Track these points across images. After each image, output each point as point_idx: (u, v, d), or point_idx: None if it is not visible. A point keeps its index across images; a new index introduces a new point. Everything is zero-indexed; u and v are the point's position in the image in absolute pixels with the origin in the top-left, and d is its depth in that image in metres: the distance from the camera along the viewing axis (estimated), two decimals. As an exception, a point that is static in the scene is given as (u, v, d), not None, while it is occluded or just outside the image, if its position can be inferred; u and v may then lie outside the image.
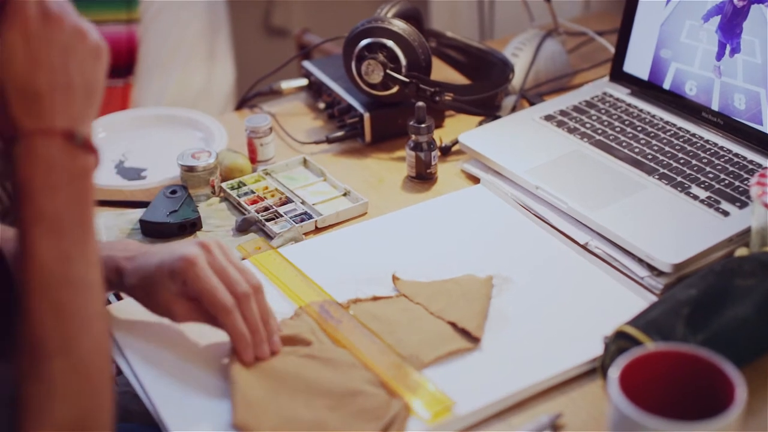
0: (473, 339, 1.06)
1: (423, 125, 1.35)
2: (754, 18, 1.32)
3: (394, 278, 1.17)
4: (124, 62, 2.22)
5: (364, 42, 1.43)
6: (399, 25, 1.43)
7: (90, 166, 0.86)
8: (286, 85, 1.62)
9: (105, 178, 1.42)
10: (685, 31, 1.41)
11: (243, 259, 1.22)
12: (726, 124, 1.36)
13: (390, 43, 1.42)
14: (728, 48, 1.35)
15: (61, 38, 0.84)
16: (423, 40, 1.44)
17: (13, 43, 0.82)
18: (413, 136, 1.36)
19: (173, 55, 2.26)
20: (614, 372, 0.83)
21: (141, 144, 1.52)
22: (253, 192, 1.36)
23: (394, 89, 1.44)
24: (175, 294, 1.03)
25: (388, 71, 1.42)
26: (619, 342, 0.98)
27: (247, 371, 1.02)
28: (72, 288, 0.83)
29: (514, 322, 1.10)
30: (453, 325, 1.08)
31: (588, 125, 1.41)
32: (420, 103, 1.35)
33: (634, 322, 0.98)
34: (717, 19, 1.36)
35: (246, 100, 1.63)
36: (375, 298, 1.14)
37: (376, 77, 1.43)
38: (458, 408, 0.98)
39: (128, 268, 1.06)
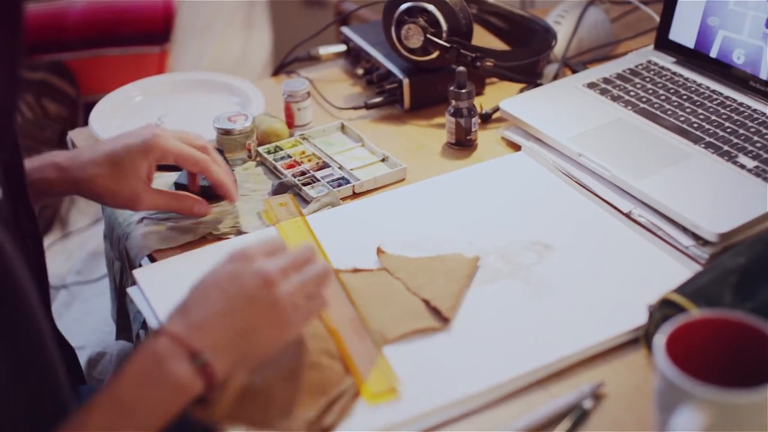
0: (443, 319, 1.03)
1: (463, 91, 1.33)
2: (806, -17, 1.28)
3: (379, 251, 1.14)
4: (160, 29, 2.21)
5: (404, 6, 1.41)
6: (441, -11, 1.40)
7: (190, 387, 0.85)
8: (324, 50, 1.60)
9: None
10: (734, -3, 1.37)
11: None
12: (775, 94, 1.32)
13: (430, 7, 1.40)
14: (779, 15, 1.31)
15: (245, 278, 0.89)
16: (464, 5, 1.41)
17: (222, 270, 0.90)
18: (453, 102, 1.34)
19: (211, 22, 2.25)
20: (660, 338, 0.81)
21: (177, 108, 1.51)
22: (289, 156, 1.35)
23: (434, 54, 1.41)
24: (144, 178, 1.13)
25: (428, 36, 1.39)
26: (665, 310, 0.95)
27: None
28: None
29: (555, 290, 1.08)
30: (426, 302, 1.05)
31: (632, 93, 1.38)
32: (460, 68, 1.32)
33: (681, 289, 0.96)
34: (768, -15, 1.33)
35: (283, 65, 1.61)
36: (355, 270, 1.11)
37: (416, 42, 1.40)
38: (503, 373, 0.95)
39: (75, 164, 1.12)
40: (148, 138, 1.13)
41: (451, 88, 1.33)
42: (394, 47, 1.44)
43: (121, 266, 1.29)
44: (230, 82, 1.55)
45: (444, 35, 1.40)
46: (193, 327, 0.86)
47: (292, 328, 0.90)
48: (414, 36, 1.40)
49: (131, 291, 1.13)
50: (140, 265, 1.18)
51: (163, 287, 1.11)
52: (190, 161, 1.16)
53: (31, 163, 1.13)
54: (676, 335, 0.82)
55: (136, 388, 0.84)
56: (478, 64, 1.40)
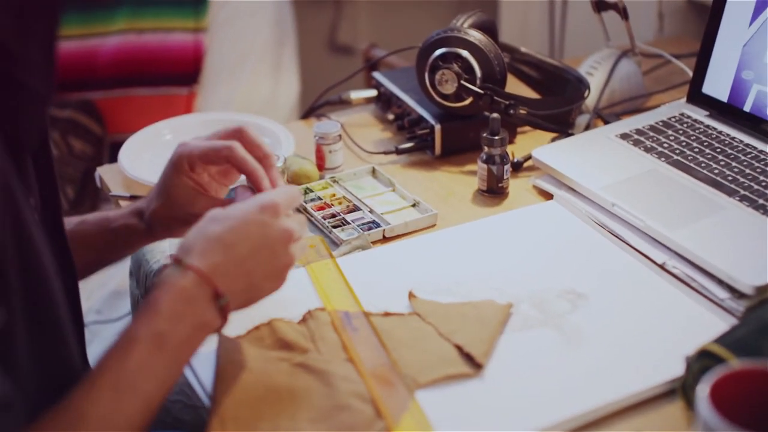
0: (476, 365, 1.01)
1: (497, 137, 1.33)
2: (843, 40, 1.28)
3: (411, 295, 1.13)
4: (190, 71, 2.22)
5: (438, 51, 1.41)
6: (475, 36, 1.41)
7: (212, 327, 0.90)
8: (356, 95, 1.61)
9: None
10: (770, 52, 1.37)
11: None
12: (809, 149, 1.32)
13: (465, 53, 1.40)
14: (815, 70, 1.31)
15: (273, 231, 0.93)
16: (498, 52, 1.41)
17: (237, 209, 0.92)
18: (486, 149, 1.34)
19: (240, 64, 2.26)
20: (704, 389, 0.80)
21: (207, 148, 1.50)
22: (320, 198, 1.34)
23: (468, 101, 1.41)
24: (191, 189, 1.06)
25: (462, 82, 1.40)
26: (704, 361, 0.94)
27: (236, 377, 0.99)
28: (137, 398, 0.84)
29: (590, 340, 1.06)
30: (459, 348, 1.04)
31: (665, 145, 1.38)
32: (494, 115, 1.32)
33: (720, 340, 0.94)
34: (804, 41, 1.33)
35: (314, 108, 1.62)
36: (386, 314, 1.10)
37: (450, 88, 1.41)
38: (537, 421, 0.94)
39: (144, 205, 1.11)
40: (175, 152, 1.06)
41: (485, 135, 1.33)
42: (426, 93, 1.44)
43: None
44: (260, 123, 1.55)
45: (478, 82, 1.40)
46: (219, 268, 0.89)
47: (284, 283, 0.96)
48: (448, 82, 1.40)
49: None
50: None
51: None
52: (212, 155, 1.04)
53: (116, 212, 1.15)
54: (719, 386, 0.80)
55: (171, 325, 0.86)
56: (512, 111, 1.39)
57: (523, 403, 0.97)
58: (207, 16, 2.23)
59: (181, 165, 1.05)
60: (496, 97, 1.39)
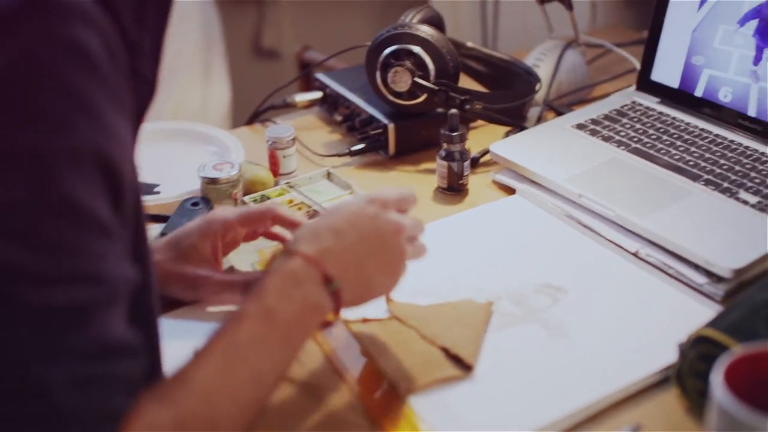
0: (466, 366, 0.99)
1: (456, 134, 1.30)
2: (794, 20, 1.29)
3: (388, 299, 1.09)
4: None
5: (390, 49, 1.38)
6: (426, 31, 1.38)
7: (323, 310, 0.87)
8: (301, 98, 1.57)
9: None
10: (719, 36, 1.37)
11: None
12: (765, 130, 1.32)
13: (417, 49, 1.37)
14: (766, 52, 1.32)
15: (382, 222, 0.92)
16: (451, 47, 1.39)
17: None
18: (445, 145, 1.31)
19: (171, 71, 2.19)
20: (718, 375, 0.78)
21: (149, 159, 1.43)
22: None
23: (422, 98, 1.38)
24: (209, 258, 1.07)
25: (416, 79, 1.37)
26: (700, 347, 0.92)
27: None
28: (245, 370, 0.80)
29: (575, 333, 1.04)
30: (445, 350, 1.01)
31: (622, 133, 1.37)
32: (453, 111, 1.30)
33: (715, 325, 0.93)
34: (754, 23, 1.33)
35: (258, 113, 1.57)
36: (365, 320, 1.07)
37: (403, 85, 1.38)
38: (535, 420, 0.92)
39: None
40: (208, 215, 1.10)
41: (443, 131, 1.30)
42: (378, 92, 1.41)
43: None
44: (206, 132, 1.50)
45: (431, 78, 1.37)
46: (327, 253, 0.87)
47: (398, 281, 0.94)
48: (401, 79, 1.37)
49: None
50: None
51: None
52: (255, 216, 1.10)
53: None
54: (732, 370, 0.79)
55: (280, 301, 0.84)
56: (468, 107, 1.37)
57: (519, 402, 0.95)
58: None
59: (215, 228, 1.08)
60: (451, 93, 1.37)
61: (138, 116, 0.80)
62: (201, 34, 2.29)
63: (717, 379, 0.78)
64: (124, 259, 0.73)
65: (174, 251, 1.07)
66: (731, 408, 0.75)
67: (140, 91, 0.79)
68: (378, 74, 1.39)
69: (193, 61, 2.27)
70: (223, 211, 1.10)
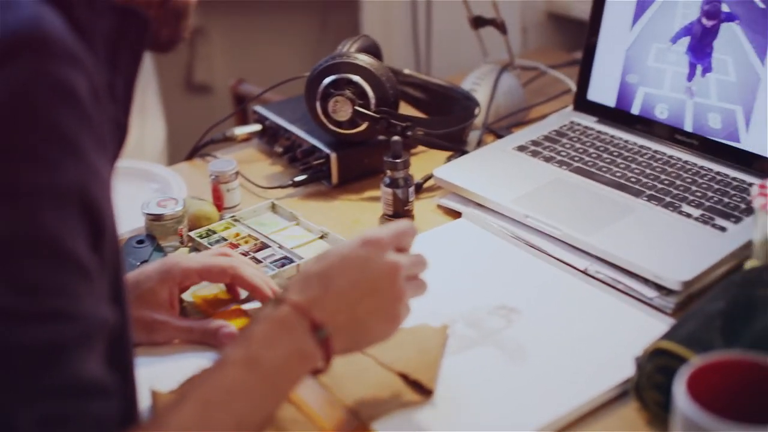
0: (426, 391, 0.99)
1: (399, 160, 1.30)
2: (724, 36, 1.31)
3: None
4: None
5: (329, 79, 1.38)
6: (365, 60, 1.38)
7: (311, 358, 0.85)
8: (240, 131, 1.56)
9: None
10: (653, 54, 1.40)
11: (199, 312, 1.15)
12: (702, 145, 1.35)
13: (357, 78, 1.37)
14: (699, 68, 1.35)
15: (375, 264, 0.89)
16: (390, 74, 1.39)
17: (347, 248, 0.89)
18: (389, 172, 1.31)
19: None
20: (680, 383, 0.79)
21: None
22: (224, 239, 1.29)
23: (363, 126, 1.38)
24: (165, 305, 1.08)
25: (356, 107, 1.37)
26: (657, 359, 0.93)
27: None
28: (227, 416, 0.79)
29: (532, 354, 1.04)
30: (404, 376, 1.00)
31: (563, 153, 1.38)
32: (396, 138, 1.30)
33: (670, 337, 0.94)
34: (686, 41, 1.36)
35: (197, 149, 1.55)
36: None
37: (344, 114, 1.37)
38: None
39: None
40: (167, 260, 1.10)
41: (387, 159, 1.30)
42: (319, 122, 1.40)
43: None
44: (144, 168, 1.48)
45: (372, 106, 1.37)
46: (316, 301, 0.85)
47: (399, 324, 0.91)
48: (342, 109, 1.37)
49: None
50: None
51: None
52: (215, 270, 1.10)
53: None
54: (694, 380, 0.80)
55: (264, 349, 0.82)
56: (409, 133, 1.37)
57: (480, 423, 0.95)
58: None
59: (174, 275, 1.08)
60: (392, 120, 1.37)
61: (113, 159, 0.80)
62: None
63: (680, 389, 0.78)
64: (102, 299, 0.72)
65: (132, 294, 1.05)
66: (696, 417, 0.76)
67: (113, 134, 0.78)
68: (318, 104, 1.39)
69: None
70: (185, 259, 1.10)
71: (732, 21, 1.31)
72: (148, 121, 2.30)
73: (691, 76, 1.35)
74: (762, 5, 1.28)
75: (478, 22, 1.61)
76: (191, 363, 0.99)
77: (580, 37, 2.07)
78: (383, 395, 0.98)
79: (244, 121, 1.90)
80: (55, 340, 0.67)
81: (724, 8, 1.32)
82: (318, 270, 0.88)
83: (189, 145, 1.56)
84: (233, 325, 1.08)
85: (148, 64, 2.37)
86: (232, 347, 0.83)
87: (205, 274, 1.10)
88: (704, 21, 1.34)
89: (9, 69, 0.66)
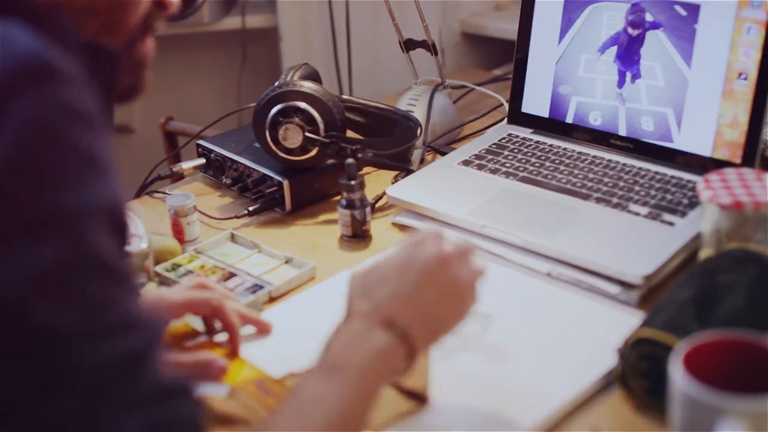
0: (420, 399, 1.02)
1: (354, 182, 1.34)
2: (650, 44, 1.39)
3: None
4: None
5: (277, 107, 1.41)
6: (311, 87, 1.42)
7: (393, 354, 0.87)
8: (187, 165, 1.57)
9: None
10: (582, 65, 1.47)
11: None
12: (636, 147, 1.42)
13: (303, 105, 1.41)
14: (629, 75, 1.42)
15: (453, 274, 0.92)
16: (336, 100, 1.43)
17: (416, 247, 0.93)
18: (345, 194, 1.35)
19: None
20: (677, 366, 0.84)
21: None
22: (190, 272, 1.30)
23: (313, 152, 1.42)
24: None
25: (306, 134, 1.40)
26: (640, 348, 0.99)
27: None
28: (324, 426, 0.81)
29: (513, 354, 1.09)
30: (397, 386, 1.03)
31: (507, 164, 1.44)
32: (350, 160, 1.34)
33: (651, 326, 1.00)
34: (613, 50, 1.44)
35: (145, 186, 1.56)
36: (292, 375, 1.08)
37: (295, 141, 1.41)
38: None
39: None
40: (152, 295, 1.12)
41: (342, 181, 1.34)
42: (269, 150, 1.43)
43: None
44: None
45: (321, 131, 1.41)
46: (380, 302, 0.88)
47: (469, 307, 0.94)
48: (292, 136, 1.40)
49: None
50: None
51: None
52: (199, 302, 1.13)
53: None
54: (689, 359, 0.85)
55: (348, 356, 0.85)
56: (360, 155, 1.41)
57: (477, 426, 0.98)
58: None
59: (161, 309, 1.10)
60: (342, 144, 1.41)
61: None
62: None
63: (678, 371, 0.84)
64: (143, 306, 0.75)
65: None
66: (698, 393, 0.81)
67: None
68: (267, 133, 1.42)
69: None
70: (168, 293, 1.13)
71: (656, 29, 1.39)
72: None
73: (621, 83, 1.43)
74: (684, 12, 1.36)
75: (408, 45, 1.66)
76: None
77: (495, 56, 2.16)
78: (378, 406, 1.01)
79: (175, 157, 1.91)
80: (131, 350, 0.69)
81: (648, 17, 1.40)
82: (370, 276, 0.92)
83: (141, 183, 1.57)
84: (225, 360, 1.09)
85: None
86: (316, 360, 0.85)
87: (191, 307, 1.12)
88: (630, 30, 1.42)
89: (22, 100, 0.68)
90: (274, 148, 1.42)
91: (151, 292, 1.13)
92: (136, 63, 0.87)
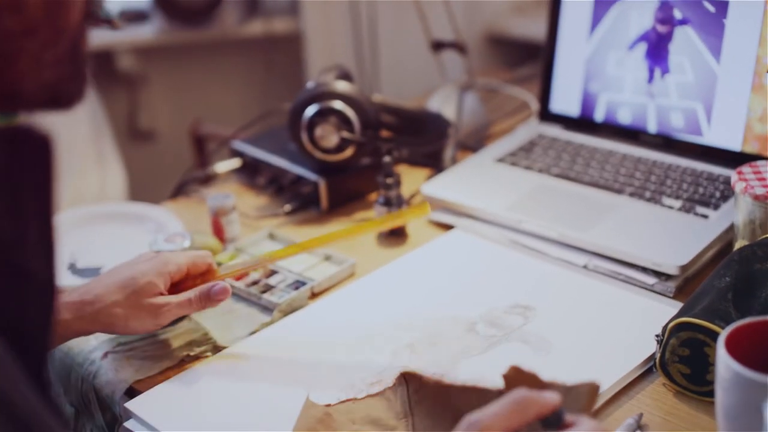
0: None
1: (392, 180, 1.37)
2: (679, 40, 1.42)
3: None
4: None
5: (313, 108, 1.44)
6: (345, 87, 1.45)
7: None
8: (222, 167, 1.60)
9: (62, 282, 1.35)
10: (612, 62, 1.50)
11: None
12: (666, 143, 1.44)
13: (340, 105, 1.43)
14: (658, 71, 1.45)
15: None
16: (370, 99, 1.46)
17: None
18: (383, 192, 1.37)
19: (66, 161, 2.18)
20: (722, 350, 0.86)
21: (86, 243, 1.45)
22: (232, 269, 1.33)
23: (349, 151, 1.44)
24: (164, 292, 1.13)
25: (342, 134, 1.43)
26: (680, 334, 1.01)
27: None
28: None
29: (556, 345, 1.11)
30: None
31: (540, 161, 1.47)
32: (387, 159, 1.36)
33: (690, 313, 1.02)
34: (643, 46, 1.46)
35: (181, 187, 1.59)
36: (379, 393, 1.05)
37: (332, 141, 1.43)
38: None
39: (88, 298, 1.10)
40: (161, 257, 1.15)
41: (379, 179, 1.37)
42: (305, 150, 1.46)
43: (77, 411, 1.22)
44: (136, 209, 1.51)
45: (357, 131, 1.44)
46: None
47: None
48: (328, 136, 1.43)
49: (129, 425, 1.07)
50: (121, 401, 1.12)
51: (165, 414, 1.06)
52: (198, 259, 1.18)
53: None
54: (731, 342, 0.88)
55: None
56: (396, 153, 1.44)
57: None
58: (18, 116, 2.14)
59: (170, 268, 1.14)
60: (377, 143, 1.44)
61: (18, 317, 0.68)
62: (89, 124, 2.30)
63: (724, 355, 0.86)
64: None
65: (129, 289, 1.11)
66: (744, 375, 0.84)
67: (18, 285, 0.66)
68: (305, 134, 1.45)
69: (85, 150, 2.27)
70: (174, 256, 1.17)
71: (685, 25, 1.41)
72: (107, 168, 2.32)
73: (650, 79, 1.45)
74: (712, 9, 1.38)
75: (437, 46, 1.69)
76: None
77: (518, 56, 2.19)
78: None
79: (202, 160, 1.94)
80: None
81: (677, 14, 1.42)
82: None
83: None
84: (221, 282, 1.15)
85: (100, 112, 2.39)
86: None
87: (192, 266, 1.17)
88: (659, 27, 1.44)
89: None
90: (311, 148, 1.45)
91: (159, 254, 1.17)
92: (80, 66, 0.70)
